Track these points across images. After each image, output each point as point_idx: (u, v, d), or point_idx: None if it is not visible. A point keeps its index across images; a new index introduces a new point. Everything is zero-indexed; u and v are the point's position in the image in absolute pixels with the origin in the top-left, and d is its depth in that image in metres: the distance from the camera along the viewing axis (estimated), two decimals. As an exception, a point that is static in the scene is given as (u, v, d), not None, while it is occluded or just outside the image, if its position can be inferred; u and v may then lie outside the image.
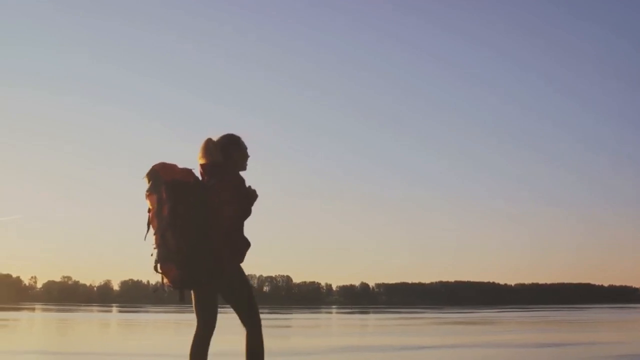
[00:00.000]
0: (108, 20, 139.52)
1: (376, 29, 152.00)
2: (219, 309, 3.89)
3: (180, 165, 3.81)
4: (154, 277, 3.77)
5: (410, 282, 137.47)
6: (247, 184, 3.91)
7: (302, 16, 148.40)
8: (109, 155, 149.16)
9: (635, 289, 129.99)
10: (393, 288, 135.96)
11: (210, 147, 3.93)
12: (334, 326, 23.70)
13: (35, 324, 23.66)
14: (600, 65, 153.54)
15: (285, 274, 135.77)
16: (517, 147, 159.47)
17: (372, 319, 32.19)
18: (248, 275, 4.11)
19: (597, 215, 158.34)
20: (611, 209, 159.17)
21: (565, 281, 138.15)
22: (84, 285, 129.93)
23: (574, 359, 9.06)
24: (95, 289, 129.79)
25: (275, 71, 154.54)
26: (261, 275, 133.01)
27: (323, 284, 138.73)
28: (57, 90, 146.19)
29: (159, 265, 3.69)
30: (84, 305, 75.24)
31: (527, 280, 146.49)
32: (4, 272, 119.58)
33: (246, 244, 3.88)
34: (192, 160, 3.95)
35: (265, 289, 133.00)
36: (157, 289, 3.82)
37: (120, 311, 47.47)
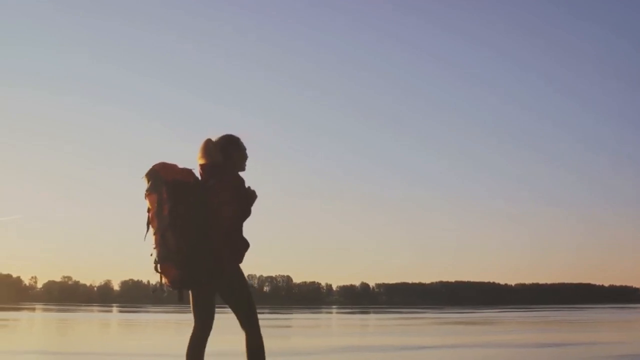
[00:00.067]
0: (108, 20, 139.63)
1: (376, 29, 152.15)
2: (216, 310, 3.89)
3: (181, 166, 3.82)
4: (154, 277, 3.76)
5: (410, 282, 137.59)
6: (247, 184, 3.91)
7: (302, 16, 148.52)
8: (109, 155, 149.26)
9: (636, 289, 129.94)
10: (393, 288, 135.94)
11: (209, 148, 3.93)
12: (334, 326, 23.71)
13: (35, 324, 23.66)
14: (600, 65, 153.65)
15: (285, 274, 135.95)
16: (517, 147, 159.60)
17: (373, 319, 32.19)
18: (248, 275, 4.10)
19: (597, 215, 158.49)
20: (611, 209, 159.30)
21: (566, 281, 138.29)
22: (84, 285, 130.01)
23: (574, 359, 9.06)
24: (95, 289, 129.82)
25: (275, 71, 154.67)
26: (261, 275, 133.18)
27: (323, 284, 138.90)
28: (57, 90, 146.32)
29: (158, 265, 3.68)
30: (84, 305, 75.27)
31: (528, 280, 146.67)
32: (4, 272, 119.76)
33: (245, 245, 3.88)
34: (192, 160, 3.95)
35: (266, 289, 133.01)
36: (156, 289, 3.81)
37: (121, 311, 47.48)
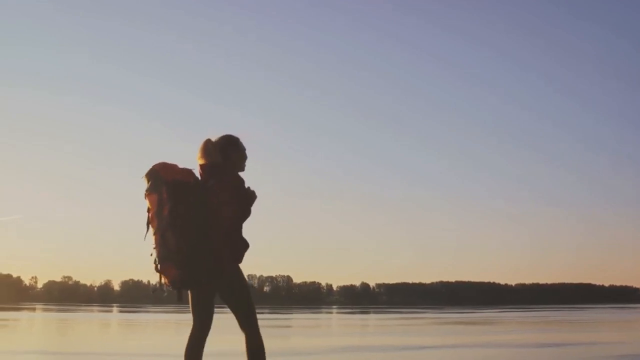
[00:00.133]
0: (108, 20, 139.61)
1: (376, 29, 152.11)
2: (215, 310, 3.89)
3: (181, 166, 3.82)
4: (154, 277, 3.77)
5: (410, 282, 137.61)
6: (247, 184, 3.91)
7: (302, 16, 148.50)
8: (109, 155, 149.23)
9: (636, 289, 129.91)
10: (393, 288, 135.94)
11: (209, 148, 3.93)
12: (335, 326, 23.71)
13: (35, 324, 23.67)
14: (600, 65, 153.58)
15: (285, 274, 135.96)
16: (517, 147, 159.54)
17: (373, 319, 32.19)
18: (248, 275, 4.11)
19: (597, 215, 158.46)
20: (611, 209, 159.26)
21: (566, 281, 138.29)
22: (85, 285, 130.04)
23: (574, 359, 9.06)
24: (95, 289, 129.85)
25: (275, 71, 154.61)
26: (261, 275, 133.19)
27: (323, 284, 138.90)
28: (57, 90, 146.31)
29: (158, 265, 3.68)
30: (85, 306, 75.28)
31: (528, 280, 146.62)
32: (5, 272, 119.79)
33: (245, 245, 3.88)
34: (192, 160, 3.95)
35: (266, 289, 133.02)
36: (156, 289, 3.80)
37: (121, 311, 47.49)
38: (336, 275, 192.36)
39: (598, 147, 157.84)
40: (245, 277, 4.01)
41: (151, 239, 3.74)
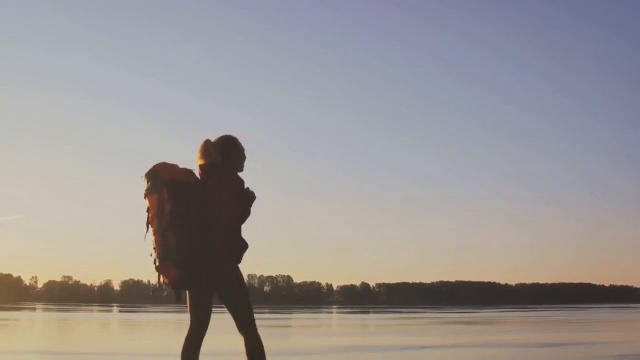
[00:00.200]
0: (108, 20, 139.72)
1: (376, 29, 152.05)
2: (213, 310, 3.89)
3: (181, 166, 3.82)
4: (154, 277, 3.77)
5: (411, 282, 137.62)
6: (246, 184, 3.91)
7: (302, 16, 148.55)
8: (109, 155, 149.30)
9: (636, 289, 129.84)
10: (394, 288, 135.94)
11: (209, 148, 3.93)
12: (335, 326, 23.71)
13: (35, 324, 23.67)
14: (600, 65, 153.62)
15: (286, 274, 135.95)
16: (517, 147, 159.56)
17: (373, 319, 32.19)
18: (249, 275, 4.11)
19: (597, 215, 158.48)
20: (611, 209, 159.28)
21: (566, 281, 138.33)
22: (85, 285, 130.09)
23: (574, 359, 9.06)
24: (96, 289, 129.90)
25: (275, 71, 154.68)
26: (262, 275, 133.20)
27: (324, 284, 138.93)
28: (57, 90, 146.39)
29: (158, 266, 3.69)
30: (85, 306, 75.29)
31: (528, 280, 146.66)
32: (5, 272, 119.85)
33: (244, 246, 3.88)
34: (192, 160, 3.95)
35: (266, 289, 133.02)
36: (156, 289, 3.80)
37: (121, 311, 47.49)
38: (336, 275, 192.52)
39: (598, 147, 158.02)
40: (245, 277, 4.01)
41: (151, 239, 3.74)
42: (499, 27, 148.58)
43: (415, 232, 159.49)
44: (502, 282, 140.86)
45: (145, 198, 3.79)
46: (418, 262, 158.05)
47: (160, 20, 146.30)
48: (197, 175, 3.88)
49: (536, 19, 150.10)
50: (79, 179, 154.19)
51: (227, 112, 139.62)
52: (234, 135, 4.09)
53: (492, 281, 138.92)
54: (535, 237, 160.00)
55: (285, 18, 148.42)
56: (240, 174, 3.99)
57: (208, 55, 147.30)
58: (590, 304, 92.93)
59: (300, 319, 30.74)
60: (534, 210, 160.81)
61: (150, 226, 3.76)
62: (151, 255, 3.74)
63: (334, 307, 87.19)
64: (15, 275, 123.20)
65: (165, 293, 3.80)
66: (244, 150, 4.07)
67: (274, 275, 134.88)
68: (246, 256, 3.90)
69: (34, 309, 52.11)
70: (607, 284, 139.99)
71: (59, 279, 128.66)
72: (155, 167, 3.77)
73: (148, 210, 3.78)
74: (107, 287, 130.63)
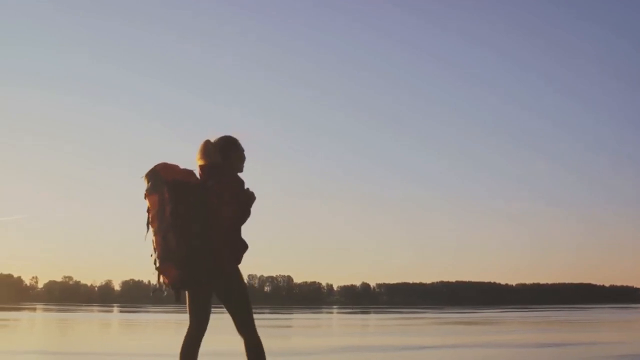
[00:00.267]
0: (108, 20, 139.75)
1: (376, 29, 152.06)
2: (212, 310, 3.89)
3: (182, 166, 3.83)
4: (154, 278, 3.77)
5: (411, 282, 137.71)
6: (246, 185, 3.91)
7: (302, 16, 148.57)
8: (109, 155, 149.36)
9: (637, 289, 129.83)
10: (394, 288, 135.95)
11: (209, 149, 3.93)
12: (335, 326, 23.70)
13: (36, 324, 23.68)
14: (600, 65, 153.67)
15: (286, 274, 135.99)
16: (517, 147, 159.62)
17: (373, 319, 32.19)
18: (249, 275, 4.11)
19: (597, 215, 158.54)
20: (611, 209, 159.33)
21: (566, 281, 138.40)
22: (85, 285, 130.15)
23: (574, 359, 9.06)
24: (96, 289, 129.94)
25: (275, 71, 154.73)
26: (262, 275, 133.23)
27: (324, 284, 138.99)
28: (57, 90, 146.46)
29: (159, 266, 3.69)
30: (85, 305, 75.29)
31: (528, 280, 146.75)
32: (5, 272, 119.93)
33: (244, 246, 3.88)
34: (192, 160, 3.96)
35: (266, 289, 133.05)
36: (156, 289, 3.80)
37: (121, 311, 47.50)
38: (337, 275, 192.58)
39: (598, 147, 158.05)
40: (245, 278, 4.01)
41: (151, 239, 3.74)
42: (499, 27, 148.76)
43: (415, 232, 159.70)
44: (502, 282, 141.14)
45: (145, 198, 3.79)
46: (418, 262, 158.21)
47: (160, 20, 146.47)
48: (197, 175, 3.89)
49: (536, 19, 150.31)
50: (79, 179, 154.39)
51: (227, 112, 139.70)
52: (234, 135, 4.10)
53: (492, 281, 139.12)
54: (535, 237, 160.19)
55: (285, 18, 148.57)
56: (239, 174, 4.00)
57: (208, 55, 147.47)
58: (591, 304, 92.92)
59: (301, 319, 30.74)
60: (534, 210, 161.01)
61: (150, 226, 3.76)
62: (151, 255, 3.74)
63: (334, 307, 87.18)
64: (15, 275, 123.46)
65: (165, 293, 3.81)
66: (243, 150, 4.07)
67: (274, 275, 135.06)
68: (246, 256, 3.90)
69: (34, 309, 52.11)
70: (607, 284, 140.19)
71: (59, 279, 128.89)
72: (155, 167, 3.77)
73: (148, 211, 3.78)
74: (107, 287, 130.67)
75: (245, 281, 4.02)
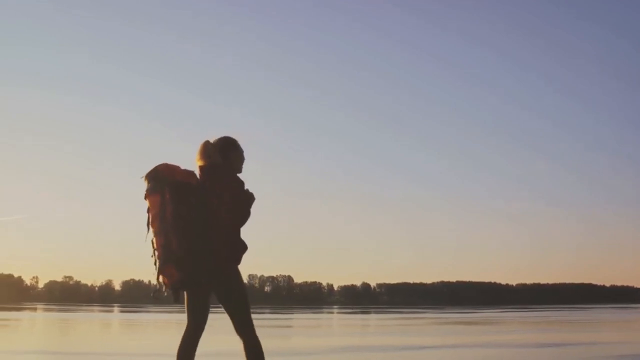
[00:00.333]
0: (108, 20, 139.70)
1: (376, 29, 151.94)
2: (210, 310, 3.90)
3: (183, 167, 3.84)
4: (155, 278, 3.77)
5: (411, 282, 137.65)
6: (246, 185, 3.92)
7: (302, 16, 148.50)
8: (109, 155, 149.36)
9: (637, 289, 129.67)
10: (394, 288, 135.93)
11: (208, 149, 3.94)
12: (335, 326, 23.71)
13: (36, 324, 23.69)
14: (600, 65, 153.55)
15: (286, 274, 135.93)
16: (517, 147, 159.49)
17: (374, 319, 32.19)
18: (249, 275, 4.11)
19: (597, 215, 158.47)
20: (611, 209, 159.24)
21: (567, 281, 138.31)
22: (86, 285, 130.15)
23: (574, 359, 9.06)
24: (96, 289, 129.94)
25: (275, 71, 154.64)
26: (262, 275, 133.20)
27: (324, 284, 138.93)
28: (57, 90, 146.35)
29: (159, 267, 3.70)
30: (86, 305, 75.32)
31: (529, 280, 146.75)
32: (6, 272, 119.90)
33: (243, 247, 3.89)
34: (192, 160, 3.97)
35: (267, 288, 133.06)
36: (156, 290, 3.80)
37: (122, 311, 47.51)
38: (337, 275, 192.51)
39: (598, 147, 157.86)
40: (245, 278, 4.02)
41: (152, 240, 3.75)
42: (499, 27, 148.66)
43: (415, 232, 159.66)
44: (503, 282, 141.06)
45: (145, 199, 3.80)
46: (418, 262, 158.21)
47: (160, 20, 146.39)
48: (197, 176, 3.89)
49: (536, 19, 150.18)
50: (79, 179, 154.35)
51: (227, 112, 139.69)
52: (233, 136, 4.11)
53: (492, 281, 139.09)
54: (535, 237, 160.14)
55: (285, 18, 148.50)
56: (239, 175, 4.01)
57: (208, 55, 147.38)
58: (591, 304, 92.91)
59: (301, 319, 30.74)
60: (534, 210, 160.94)
61: (150, 227, 3.77)
62: (152, 256, 3.75)
63: (335, 307, 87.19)
64: (16, 275, 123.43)
65: (166, 294, 3.82)
66: (242, 151, 4.08)
67: (275, 275, 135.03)
68: (246, 256, 3.92)
69: (35, 309, 52.13)
70: (607, 284, 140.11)
71: (59, 279, 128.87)
72: (156, 167, 3.78)
73: (148, 211, 3.79)
74: (107, 287, 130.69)
75: (245, 281, 4.03)
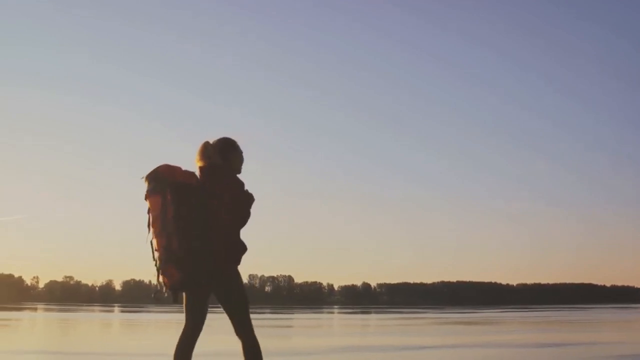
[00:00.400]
0: (108, 20, 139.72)
1: (376, 29, 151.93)
2: (209, 310, 3.90)
3: (184, 167, 3.85)
4: (155, 278, 3.78)
5: (412, 282, 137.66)
6: (246, 185, 3.93)
7: (302, 16, 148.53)
8: (109, 155, 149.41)
9: (638, 289, 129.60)
10: (395, 288, 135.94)
11: (208, 150, 3.95)
12: (336, 326, 23.72)
13: (37, 324, 23.70)
14: (600, 65, 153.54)
15: (287, 274, 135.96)
16: (517, 147, 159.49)
17: (374, 319, 32.20)
18: (250, 275, 4.12)
19: (597, 215, 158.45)
20: (611, 209, 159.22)
21: (567, 281, 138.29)
22: (86, 285, 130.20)
23: (575, 359, 9.07)
24: (97, 289, 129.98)
25: (275, 71, 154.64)
26: (263, 275, 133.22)
27: (325, 284, 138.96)
28: (57, 90, 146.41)
29: (160, 267, 3.70)
30: (86, 305, 75.34)
31: (529, 280, 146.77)
32: (6, 272, 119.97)
33: (243, 247, 3.90)
34: (192, 160, 3.97)
35: (267, 289, 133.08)
36: (157, 291, 3.81)
37: (122, 311, 47.52)
38: (337, 275, 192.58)
39: (598, 147, 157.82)
40: (246, 278, 4.03)
41: (153, 240, 3.76)
42: (499, 27, 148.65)
43: (415, 232, 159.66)
44: (503, 282, 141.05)
45: (145, 199, 3.80)
46: (418, 262, 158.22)
47: (160, 20, 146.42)
48: (198, 177, 3.90)
49: (536, 19, 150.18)
50: (79, 179, 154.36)
51: (227, 112, 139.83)
52: (232, 137, 4.12)
53: (492, 281, 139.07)
54: (535, 237, 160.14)
55: (285, 18, 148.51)
56: (238, 176, 4.01)
57: (208, 55, 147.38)
58: (591, 304, 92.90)
59: (301, 319, 30.75)
60: (534, 210, 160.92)
61: (151, 228, 3.78)
62: (152, 256, 3.76)
63: (335, 307, 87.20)
64: (16, 275, 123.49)
65: (166, 294, 3.82)
66: (242, 152, 4.09)
67: (275, 275, 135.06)
68: (247, 256, 3.93)
69: (35, 309, 52.15)
70: (608, 284, 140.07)
71: (60, 278, 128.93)
72: (158, 168, 3.79)
73: (149, 212, 3.79)
74: (108, 287, 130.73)
75: (245, 282, 4.04)
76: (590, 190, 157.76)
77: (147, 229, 3.78)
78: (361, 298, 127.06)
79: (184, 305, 3.87)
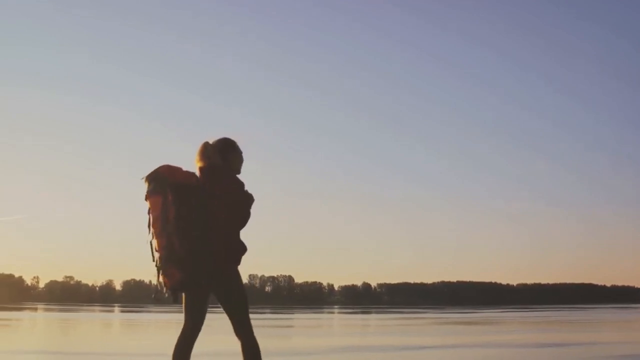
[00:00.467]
0: (108, 20, 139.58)
1: (376, 29, 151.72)
2: (208, 310, 3.91)
3: (184, 168, 3.86)
4: (155, 278, 3.79)
5: (412, 282, 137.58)
6: (246, 186, 3.94)
7: (302, 16, 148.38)
8: (109, 155, 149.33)
9: (638, 289, 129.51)
10: (395, 288, 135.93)
11: (208, 150, 3.96)
12: (336, 326, 23.73)
13: (37, 324, 23.71)
14: (600, 65, 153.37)
15: (287, 274, 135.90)
16: (517, 147, 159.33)
17: (374, 319, 32.20)
18: (250, 275, 4.12)
19: (597, 215, 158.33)
20: (611, 209, 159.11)
21: (567, 281, 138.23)
22: (86, 285, 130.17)
23: (575, 359, 9.07)
24: (97, 289, 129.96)
25: (275, 71, 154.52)
26: (263, 275, 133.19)
27: (325, 284, 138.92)
28: (57, 90, 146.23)
29: (161, 267, 3.71)
30: (86, 305, 75.35)
31: (529, 280, 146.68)
32: (6, 272, 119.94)
33: (243, 248, 3.91)
34: (192, 160, 3.98)
35: (267, 289, 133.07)
36: (157, 292, 3.82)
37: (122, 311, 47.53)
38: (338, 275, 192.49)
39: (598, 147, 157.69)
40: (246, 278, 4.04)
41: (153, 241, 3.76)
42: (499, 27, 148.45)
43: (415, 232, 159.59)
44: (503, 282, 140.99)
45: (146, 200, 3.81)
46: (419, 262, 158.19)
47: (160, 20, 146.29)
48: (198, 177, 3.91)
49: (536, 19, 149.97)
50: (79, 179, 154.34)
51: (227, 112, 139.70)
52: (232, 137, 4.12)
53: (492, 281, 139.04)
54: (535, 237, 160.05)
55: (285, 18, 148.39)
56: (238, 176, 4.02)
57: (208, 55, 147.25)
58: (592, 304, 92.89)
59: (302, 319, 30.76)
60: (534, 210, 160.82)
61: (151, 228, 3.78)
62: (152, 257, 3.76)
63: (335, 307, 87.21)
64: (16, 275, 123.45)
65: (167, 295, 3.83)
66: (241, 152, 4.09)
67: (275, 275, 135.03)
68: (247, 256, 3.93)
69: (36, 309, 52.17)
70: (608, 284, 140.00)
71: (60, 278, 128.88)
72: (158, 169, 3.79)
73: (149, 212, 3.80)
74: (108, 287, 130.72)
75: (245, 282, 4.05)
76: (590, 190, 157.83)
77: (147, 229, 3.79)
78: (361, 298, 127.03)
79: (183, 305, 3.87)
